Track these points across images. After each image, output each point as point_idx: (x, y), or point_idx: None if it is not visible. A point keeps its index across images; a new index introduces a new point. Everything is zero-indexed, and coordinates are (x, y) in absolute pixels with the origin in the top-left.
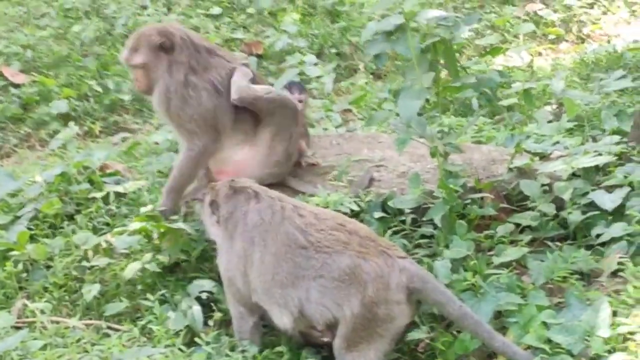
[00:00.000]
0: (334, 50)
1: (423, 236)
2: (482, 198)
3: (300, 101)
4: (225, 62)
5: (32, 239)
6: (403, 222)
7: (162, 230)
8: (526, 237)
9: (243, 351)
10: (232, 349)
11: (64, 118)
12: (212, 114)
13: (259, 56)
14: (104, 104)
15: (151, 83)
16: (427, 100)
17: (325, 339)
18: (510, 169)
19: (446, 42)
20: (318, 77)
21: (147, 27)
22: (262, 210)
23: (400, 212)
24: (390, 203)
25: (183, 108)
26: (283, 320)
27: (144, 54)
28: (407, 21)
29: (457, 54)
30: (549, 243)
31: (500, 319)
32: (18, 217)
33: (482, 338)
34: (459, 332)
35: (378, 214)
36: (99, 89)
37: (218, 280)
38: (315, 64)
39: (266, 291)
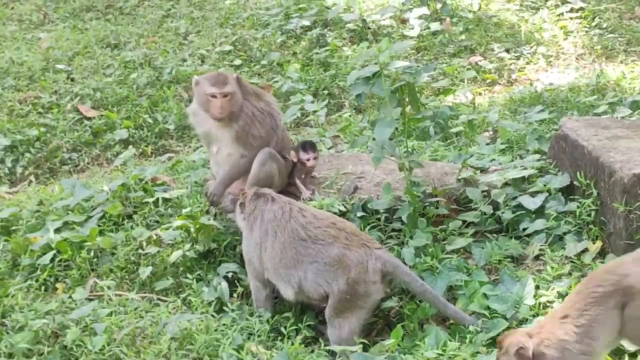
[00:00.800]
0: (325, 91)
1: (394, 230)
2: (437, 201)
3: (309, 159)
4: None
5: (101, 233)
6: (379, 219)
7: (197, 226)
8: (471, 231)
9: (259, 316)
10: (251, 314)
11: (125, 143)
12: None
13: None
14: (154, 132)
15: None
16: (396, 129)
17: (323, 305)
18: (458, 180)
19: (410, 85)
20: (314, 111)
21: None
22: (276, 210)
23: (377, 212)
24: (369, 205)
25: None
26: (287, 293)
27: (232, 85)
28: (381, 69)
29: (418, 94)
30: (488, 235)
31: (451, 291)
32: (90, 217)
33: (438, 307)
34: (421, 301)
35: (360, 214)
36: (151, 121)
37: (241, 263)
38: (312, 102)
39: (275, 270)
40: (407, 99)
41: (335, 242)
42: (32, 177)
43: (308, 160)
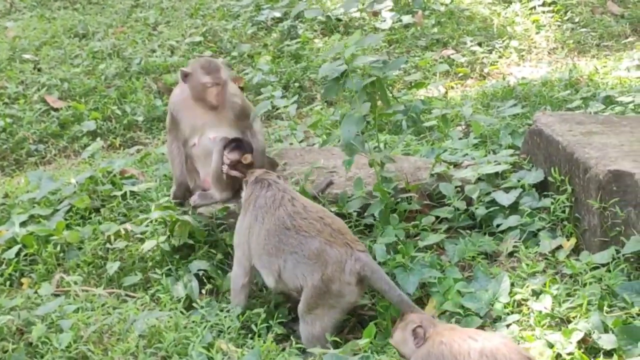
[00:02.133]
0: (297, 84)
1: (366, 226)
2: (410, 197)
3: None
4: None
5: (68, 227)
6: (350, 215)
7: (173, 219)
8: (444, 226)
9: (229, 311)
10: (221, 311)
11: (92, 134)
12: None
13: (240, 88)
14: (123, 123)
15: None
16: (368, 122)
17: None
18: (431, 175)
19: (379, 80)
20: (285, 106)
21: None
22: (268, 196)
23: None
24: (341, 205)
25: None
26: (269, 280)
27: (224, 71)
28: (349, 68)
29: (389, 88)
30: (461, 231)
31: (424, 288)
32: (57, 210)
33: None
34: None
35: (333, 209)
36: (119, 112)
37: (212, 260)
38: (282, 97)
39: (259, 257)
40: (378, 94)
41: (318, 236)
42: None
43: (229, 162)
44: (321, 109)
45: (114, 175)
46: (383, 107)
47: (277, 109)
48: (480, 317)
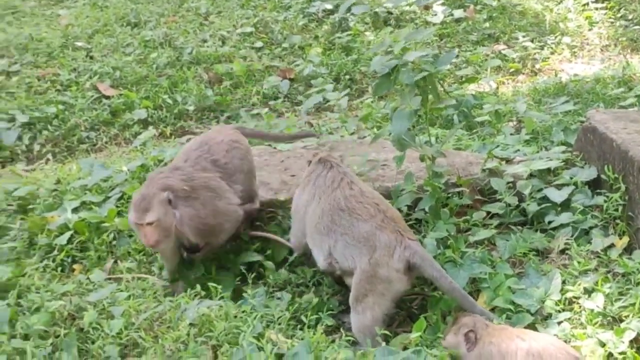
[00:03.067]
0: (347, 77)
1: (417, 220)
2: (461, 191)
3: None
4: None
5: (119, 214)
6: (400, 210)
7: None
8: (495, 222)
9: (280, 298)
10: (271, 301)
11: (143, 123)
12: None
13: (291, 80)
14: (173, 112)
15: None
16: (419, 117)
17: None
18: (483, 170)
19: (430, 74)
20: (337, 99)
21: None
22: (328, 177)
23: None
24: (392, 199)
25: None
26: (319, 259)
27: (156, 210)
28: (399, 60)
29: (440, 82)
30: (513, 227)
31: (474, 283)
32: (108, 197)
33: (465, 306)
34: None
35: None
36: (170, 101)
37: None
38: (333, 91)
39: (311, 234)
40: (428, 88)
41: (370, 220)
42: (49, 155)
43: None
44: (372, 102)
45: (165, 164)
46: (434, 101)
47: (328, 101)
48: (531, 314)
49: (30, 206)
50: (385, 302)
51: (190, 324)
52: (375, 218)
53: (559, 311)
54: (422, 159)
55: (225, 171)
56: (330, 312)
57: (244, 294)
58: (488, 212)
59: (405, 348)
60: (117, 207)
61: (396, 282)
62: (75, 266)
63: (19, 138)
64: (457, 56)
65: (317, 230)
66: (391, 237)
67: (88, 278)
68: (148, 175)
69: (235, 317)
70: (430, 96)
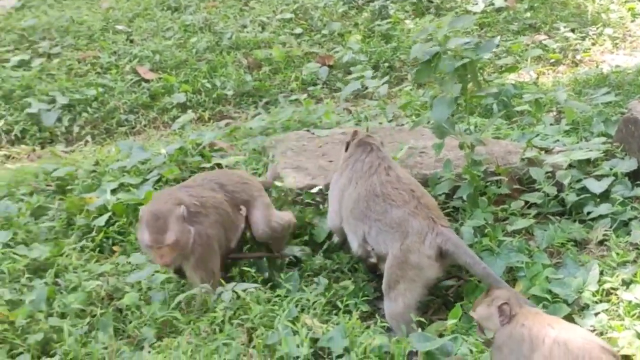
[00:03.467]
0: (386, 64)
1: (454, 208)
2: (500, 180)
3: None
4: None
5: None
6: (437, 197)
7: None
8: (533, 212)
9: (317, 283)
10: (306, 286)
11: (182, 107)
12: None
13: (330, 66)
14: (212, 97)
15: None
16: (459, 105)
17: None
18: (522, 159)
19: (472, 62)
20: (376, 87)
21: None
22: (366, 162)
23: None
24: (429, 189)
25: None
26: (353, 244)
27: (174, 231)
28: (441, 47)
29: (480, 71)
30: (551, 217)
31: (511, 272)
32: (146, 180)
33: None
34: (479, 281)
35: None
36: (209, 86)
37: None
38: (373, 77)
39: (347, 219)
40: (469, 76)
41: (404, 206)
42: (88, 137)
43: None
44: (411, 89)
45: (204, 148)
46: (474, 89)
47: (366, 88)
48: (568, 305)
49: (69, 187)
50: (416, 288)
51: (226, 307)
52: (409, 204)
53: (596, 302)
54: (461, 147)
55: (232, 199)
56: (366, 298)
57: (278, 279)
58: (526, 202)
59: (440, 335)
60: (154, 189)
61: (427, 269)
62: (115, 248)
63: (59, 119)
64: (498, 45)
65: (352, 215)
66: (423, 224)
67: (129, 262)
68: (153, 194)
69: (270, 301)
70: (470, 84)
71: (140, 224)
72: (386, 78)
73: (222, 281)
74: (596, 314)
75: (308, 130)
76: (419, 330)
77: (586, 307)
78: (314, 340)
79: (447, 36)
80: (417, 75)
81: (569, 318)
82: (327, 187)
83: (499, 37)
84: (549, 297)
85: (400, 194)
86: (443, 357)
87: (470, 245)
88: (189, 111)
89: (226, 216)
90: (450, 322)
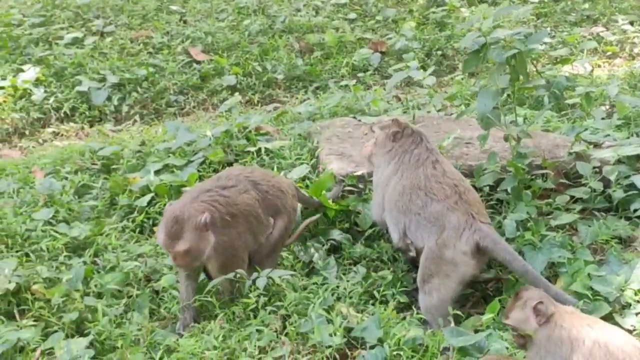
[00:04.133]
0: (439, 52)
1: (498, 200)
2: (546, 174)
3: None
4: None
5: (200, 178)
6: (481, 190)
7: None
8: (578, 207)
9: (355, 272)
10: (344, 273)
11: (232, 89)
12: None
13: (382, 53)
14: (262, 80)
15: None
16: (508, 96)
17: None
18: (570, 153)
19: (520, 53)
20: (423, 77)
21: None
22: (414, 154)
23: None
24: (474, 181)
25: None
26: (394, 235)
27: (188, 237)
28: (486, 38)
29: (533, 62)
30: (596, 213)
31: (552, 268)
32: (191, 161)
33: (541, 288)
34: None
35: None
36: (259, 69)
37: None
38: (422, 66)
39: (390, 210)
40: (518, 67)
41: (444, 201)
42: (137, 117)
43: None
44: (462, 79)
45: (250, 131)
46: (523, 81)
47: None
48: (609, 303)
49: (114, 166)
50: (450, 284)
51: (260, 293)
52: (450, 199)
53: (638, 301)
54: (506, 139)
55: (264, 200)
56: (404, 289)
57: (316, 266)
58: (572, 197)
59: (476, 330)
60: (198, 171)
61: (462, 265)
62: (155, 229)
63: (108, 98)
64: (553, 36)
65: (395, 207)
66: (461, 219)
67: None
68: (186, 190)
69: (306, 289)
70: (520, 76)
71: (162, 220)
72: (431, 70)
73: (258, 268)
74: (637, 314)
75: (354, 117)
76: (454, 323)
77: (627, 306)
78: (348, 330)
79: (496, 25)
80: (465, 65)
81: (609, 317)
82: (370, 174)
83: (548, 29)
84: (589, 294)
85: (442, 188)
86: (476, 353)
87: (512, 239)
88: (236, 94)
89: (256, 221)
90: (487, 317)
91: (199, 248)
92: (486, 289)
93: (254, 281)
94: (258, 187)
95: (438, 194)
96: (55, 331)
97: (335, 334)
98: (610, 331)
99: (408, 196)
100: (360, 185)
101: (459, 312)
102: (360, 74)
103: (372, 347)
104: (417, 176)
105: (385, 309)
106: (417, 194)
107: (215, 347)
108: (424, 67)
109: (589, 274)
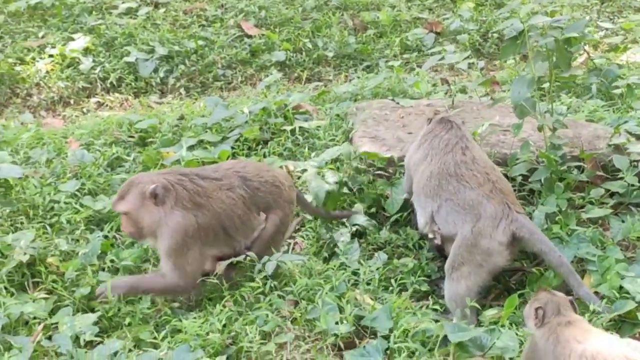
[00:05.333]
0: (495, 35)
1: (530, 191)
2: (582, 165)
3: None
4: None
5: (233, 155)
6: (514, 179)
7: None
8: (612, 201)
9: (377, 258)
10: (365, 259)
11: (281, 65)
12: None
13: (437, 33)
14: (312, 57)
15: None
16: (551, 83)
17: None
18: (609, 145)
19: (558, 41)
20: (456, 62)
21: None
22: (444, 139)
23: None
24: (507, 169)
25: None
26: (420, 220)
27: (131, 200)
28: (524, 24)
29: (586, 48)
30: (632, 208)
31: (581, 263)
32: (226, 138)
33: (572, 284)
34: (545, 270)
35: None
36: (310, 46)
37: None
38: (454, 52)
39: (418, 195)
40: (556, 55)
41: (478, 188)
42: (182, 90)
43: None
44: (513, 64)
45: (288, 110)
46: (561, 69)
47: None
48: (636, 302)
49: (150, 139)
50: (482, 273)
51: (269, 276)
52: (484, 187)
53: None
54: (539, 129)
55: (252, 197)
56: (426, 278)
57: (337, 250)
58: (607, 190)
59: (494, 323)
60: (232, 148)
61: (496, 255)
62: None
63: (155, 70)
64: (614, 23)
65: (423, 191)
66: (498, 209)
67: None
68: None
69: (321, 274)
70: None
71: None
72: (467, 54)
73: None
74: None
75: (393, 100)
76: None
77: None
78: (359, 318)
79: (533, 12)
80: (502, 52)
81: (634, 314)
82: (401, 159)
83: (588, 17)
84: (617, 293)
85: (474, 175)
86: (476, 350)
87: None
88: (275, 71)
89: (229, 221)
90: (505, 311)
91: (139, 215)
92: (509, 281)
93: (263, 264)
94: (248, 184)
95: (470, 181)
96: (66, 305)
97: (342, 322)
98: (602, 344)
99: (437, 181)
100: (390, 170)
101: (476, 305)
102: (412, 55)
103: (383, 337)
104: (445, 162)
105: (399, 298)
106: (448, 179)
107: (219, 330)
108: (478, 50)
109: (618, 273)
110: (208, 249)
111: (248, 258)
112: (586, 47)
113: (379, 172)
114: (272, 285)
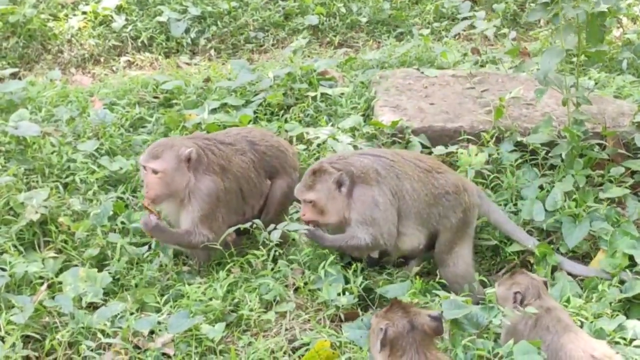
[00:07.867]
0: (533, 5)
1: (552, 166)
2: (603, 143)
3: None
4: None
5: (255, 120)
6: (534, 153)
7: None
8: (631, 180)
9: None
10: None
11: (313, 29)
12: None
13: (473, 1)
14: (345, 22)
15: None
16: (577, 57)
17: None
18: (632, 123)
19: (588, 13)
20: (483, 30)
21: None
22: None
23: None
24: (523, 139)
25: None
26: (413, 242)
27: (166, 160)
28: None
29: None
30: None
31: (593, 240)
32: (250, 102)
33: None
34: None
35: (510, 148)
36: (344, 10)
37: None
38: (483, 19)
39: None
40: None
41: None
42: (212, 51)
43: None
44: (550, 35)
45: (313, 76)
46: (590, 43)
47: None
48: None
49: (175, 101)
50: (469, 241)
51: (277, 244)
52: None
53: None
54: (564, 103)
55: (261, 160)
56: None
57: None
58: (627, 169)
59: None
60: (254, 112)
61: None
62: None
63: (187, 30)
64: None
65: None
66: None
67: None
68: (195, 133)
69: None
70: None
71: None
72: (496, 21)
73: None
74: None
75: (417, 69)
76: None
77: None
78: (369, 290)
79: None
80: (530, 13)
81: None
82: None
83: None
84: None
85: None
86: (472, 327)
87: (556, 211)
88: (300, 37)
89: (247, 184)
90: None
91: (173, 177)
92: (512, 260)
93: (270, 232)
94: (255, 148)
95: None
96: (75, 265)
97: (344, 293)
98: (569, 336)
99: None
100: (400, 135)
101: (484, 278)
102: (444, 23)
103: None
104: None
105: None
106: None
107: (221, 297)
108: (514, 19)
109: (624, 253)
110: (228, 214)
111: (254, 226)
112: (623, 21)
113: (394, 138)
114: (278, 253)
